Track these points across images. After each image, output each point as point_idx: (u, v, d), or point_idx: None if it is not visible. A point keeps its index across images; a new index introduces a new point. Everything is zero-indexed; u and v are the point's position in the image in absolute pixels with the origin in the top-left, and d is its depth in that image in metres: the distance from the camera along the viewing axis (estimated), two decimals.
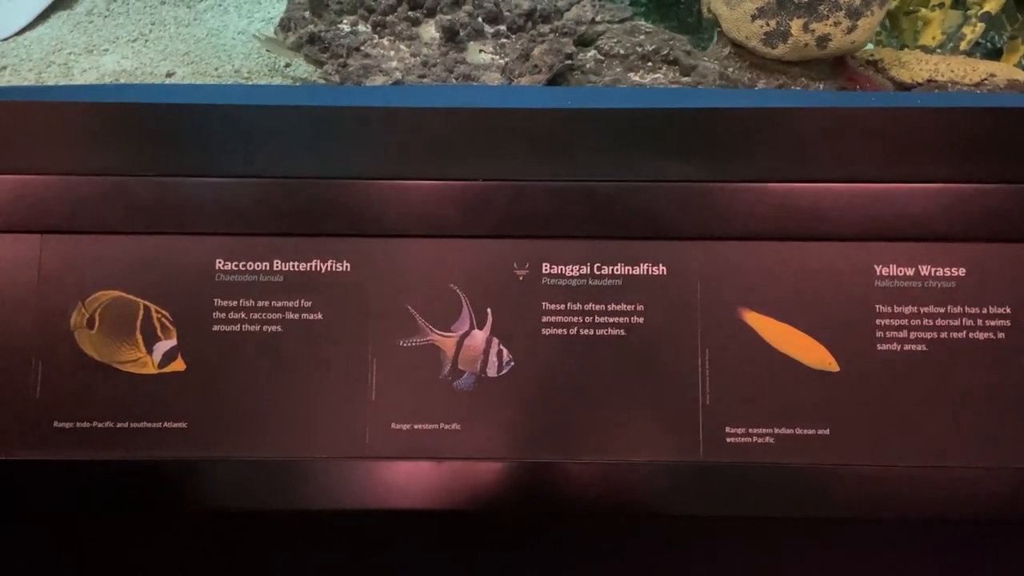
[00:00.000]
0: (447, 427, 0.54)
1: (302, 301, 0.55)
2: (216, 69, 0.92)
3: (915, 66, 0.90)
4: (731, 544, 0.55)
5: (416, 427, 0.54)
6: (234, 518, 0.53)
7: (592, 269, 0.56)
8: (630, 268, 0.57)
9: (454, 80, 0.86)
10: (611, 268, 0.56)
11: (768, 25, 0.84)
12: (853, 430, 0.55)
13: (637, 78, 0.86)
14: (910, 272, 0.56)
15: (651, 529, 0.55)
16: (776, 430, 0.55)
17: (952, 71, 0.89)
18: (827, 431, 0.55)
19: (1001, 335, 0.56)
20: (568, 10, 0.88)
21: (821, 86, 0.89)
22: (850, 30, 0.84)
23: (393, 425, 0.54)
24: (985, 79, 0.89)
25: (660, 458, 0.55)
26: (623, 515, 0.54)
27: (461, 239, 0.56)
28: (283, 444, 0.53)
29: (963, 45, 0.91)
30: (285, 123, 0.55)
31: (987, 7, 0.89)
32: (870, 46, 1.01)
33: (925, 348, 0.56)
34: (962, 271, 0.56)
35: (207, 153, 0.54)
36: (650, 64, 0.86)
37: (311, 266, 0.55)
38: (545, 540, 0.55)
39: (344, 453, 0.53)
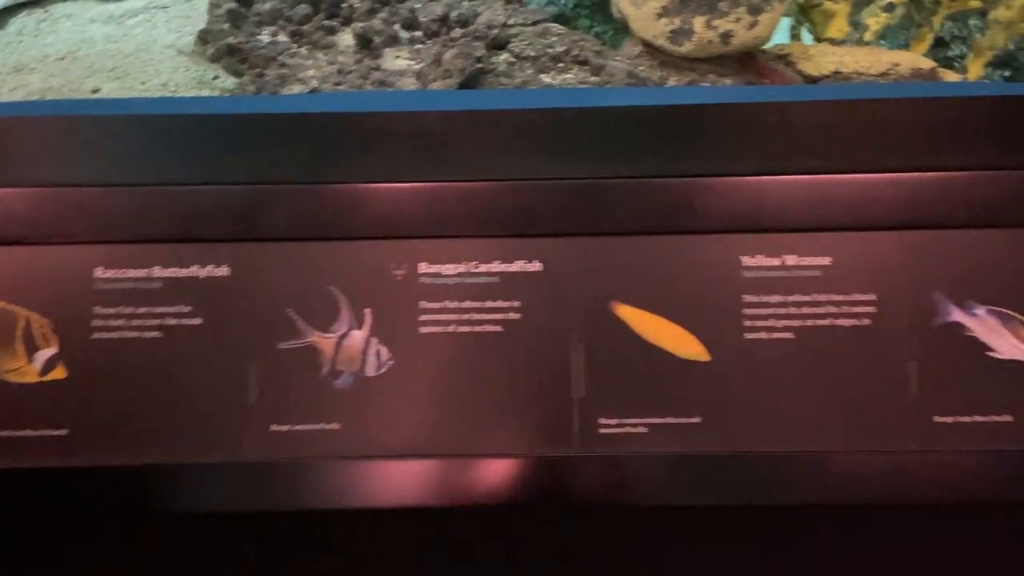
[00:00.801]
0: (327, 427, 0.54)
1: (182, 307, 0.54)
2: (143, 84, 0.91)
3: (821, 59, 0.89)
4: (605, 534, 0.55)
5: (295, 428, 0.53)
6: (115, 523, 0.52)
7: (469, 268, 0.56)
8: (506, 266, 0.56)
9: (369, 87, 0.85)
10: (488, 266, 0.56)
11: (673, 23, 0.83)
12: (723, 418, 0.54)
13: (548, 79, 0.85)
14: (776, 262, 0.56)
15: (525, 521, 0.54)
16: (648, 420, 0.55)
17: (857, 62, 0.88)
18: (698, 419, 0.54)
19: (866, 321, 0.55)
20: (481, 14, 0.87)
21: (729, 81, 0.88)
22: (752, 25, 0.83)
23: (272, 427, 0.53)
24: (889, 69, 0.88)
25: (535, 452, 0.54)
26: (501, 509, 0.54)
27: (339, 241, 0.55)
28: (162, 448, 0.52)
29: (868, 36, 0.90)
30: (162, 131, 0.54)
31: None
32: (785, 39, 1.00)
33: (792, 336, 0.55)
34: (828, 260, 0.56)
35: (84, 162, 0.53)
36: (561, 65, 0.85)
37: (191, 272, 0.54)
38: (420, 536, 0.54)
39: (222, 456, 0.53)
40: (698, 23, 0.82)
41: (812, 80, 0.90)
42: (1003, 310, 0.55)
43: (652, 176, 0.55)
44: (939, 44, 1.57)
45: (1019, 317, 0.55)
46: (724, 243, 0.56)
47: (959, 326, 0.55)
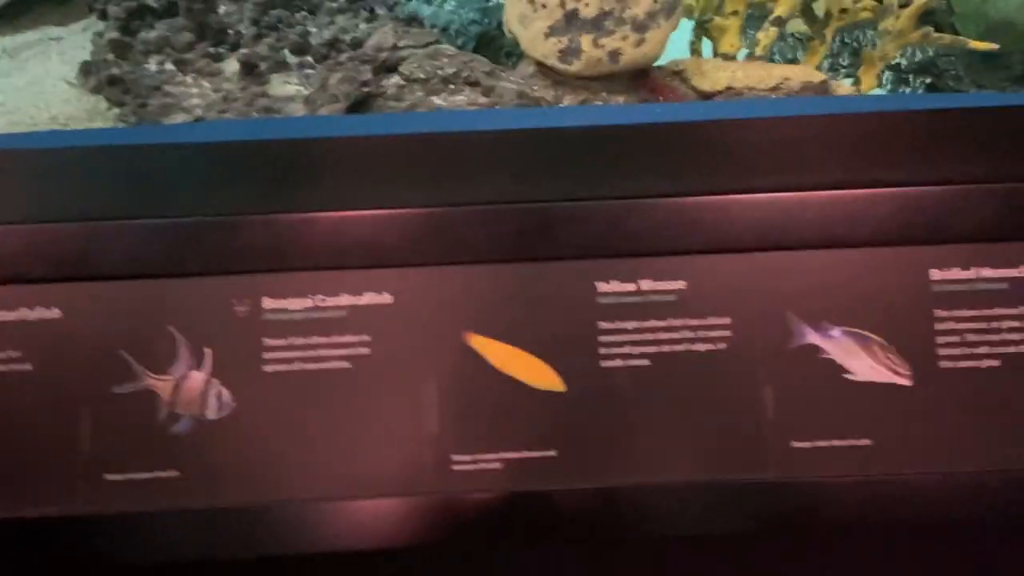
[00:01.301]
0: (165, 475, 0.50)
1: (10, 352, 0.50)
2: (31, 118, 0.87)
3: (714, 75, 0.87)
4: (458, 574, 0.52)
5: (131, 477, 0.50)
6: None
7: (315, 302, 0.53)
8: (355, 299, 0.53)
9: (255, 114, 0.82)
10: (335, 299, 0.53)
11: (561, 42, 0.81)
12: (579, 449, 0.52)
13: (440, 101, 0.83)
14: (631, 287, 0.53)
15: (379, 566, 0.51)
16: (503, 455, 0.52)
17: (748, 77, 0.86)
18: (554, 452, 0.52)
19: (722, 345, 0.53)
20: (371, 37, 0.84)
21: (622, 99, 0.86)
22: (639, 43, 0.81)
23: (106, 476, 0.50)
24: (780, 83, 0.87)
25: (388, 492, 0.51)
26: (355, 555, 0.51)
27: (176, 278, 0.52)
28: None
29: (758, 50, 0.88)
30: None
31: (778, 11, 0.86)
32: (685, 55, 0.98)
33: (649, 363, 0.52)
34: (683, 283, 0.53)
35: None
36: (452, 87, 0.83)
37: (19, 315, 0.51)
38: None
39: (53, 509, 0.49)
40: (585, 42, 0.80)
41: (706, 96, 0.88)
42: (859, 331, 0.53)
43: (503, 202, 0.53)
44: (855, 53, 1.57)
45: (875, 338, 0.52)
46: (578, 269, 0.53)
47: (815, 348, 0.53)
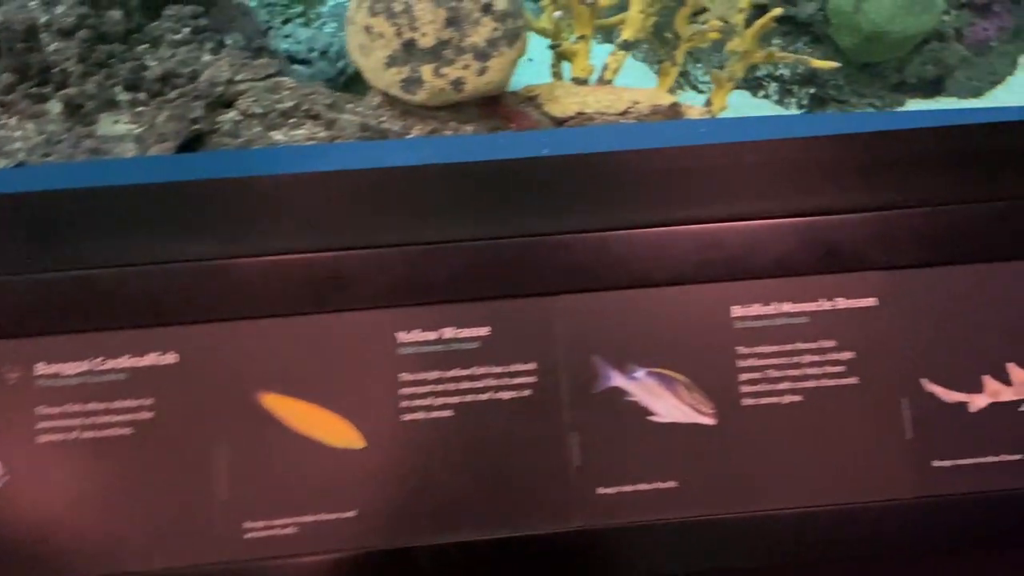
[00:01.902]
0: None
1: None
2: None
3: (565, 99, 0.87)
4: None
5: None
6: None
7: (93, 365, 0.50)
8: (136, 360, 0.50)
9: (82, 156, 0.78)
10: (115, 361, 0.50)
11: (402, 72, 0.79)
12: (380, 509, 0.50)
13: (280, 136, 0.80)
14: (432, 336, 0.52)
15: None
16: (299, 519, 0.50)
17: (598, 102, 0.86)
18: (354, 513, 0.50)
19: (527, 392, 0.52)
20: (205, 71, 0.81)
21: (471, 129, 0.85)
22: (482, 71, 0.80)
23: None
24: (630, 107, 0.87)
25: (173, 564, 0.48)
26: None
27: None
28: None
29: (608, 75, 0.88)
30: None
31: (624, 35, 0.87)
32: (547, 80, 0.98)
33: (452, 414, 0.51)
34: (487, 330, 0.52)
35: None
36: (293, 120, 0.80)
37: None
38: None
39: None
40: (426, 72, 0.79)
41: (559, 122, 0.88)
42: (664, 371, 0.52)
43: (294, 252, 0.51)
44: (751, 67, 1.59)
45: (680, 378, 0.52)
46: (377, 319, 0.51)
47: (620, 391, 0.52)
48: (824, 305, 0.53)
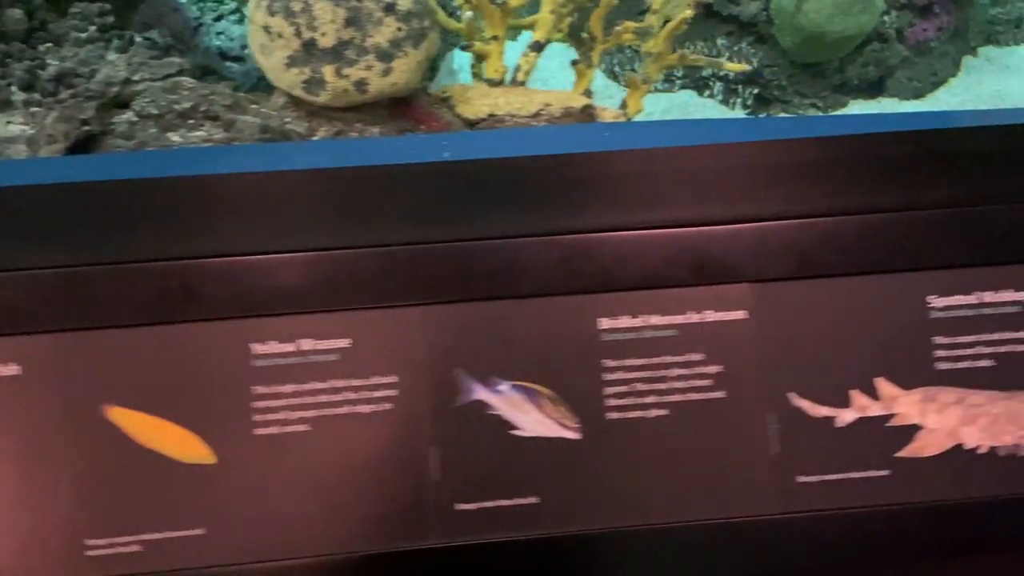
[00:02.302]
0: None
1: None
2: None
3: (477, 101, 0.86)
4: None
5: None
6: None
7: None
8: None
9: None
10: None
11: (304, 73, 0.78)
12: (229, 526, 0.49)
13: (178, 137, 0.79)
14: (290, 348, 0.51)
15: None
16: (143, 536, 0.49)
17: (509, 104, 0.85)
18: (201, 530, 0.49)
19: (388, 406, 0.51)
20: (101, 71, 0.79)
21: (377, 130, 0.83)
22: (386, 72, 0.79)
23: None
24: (541, 110, 0.86)
25: None
26: None
27: None
28: None
29: (520, 76, 0.87)
30: None
31: (536, 36, 0.86)
32: (467, 80, 0.97)
33: (308, 428, 0.50)
34: (347, 342, 0.51)
35: None
36: (191, 122, 0.79)
37: None
38: None
39: None
40: (328, 72, 0.78)
41: (471, 124, 0.87)
42: (528, 385, 0.51)
43: (142, 260, 0.50)
44: (692, 66, 1.59)
45: (544, 391, 0.51)
46: (231, 330, 0.50)
47: (483, 405, 0.51)
48: (693, 318, 0.53)
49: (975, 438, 0.53)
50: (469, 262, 0.52)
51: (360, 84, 0.78)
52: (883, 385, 0.53)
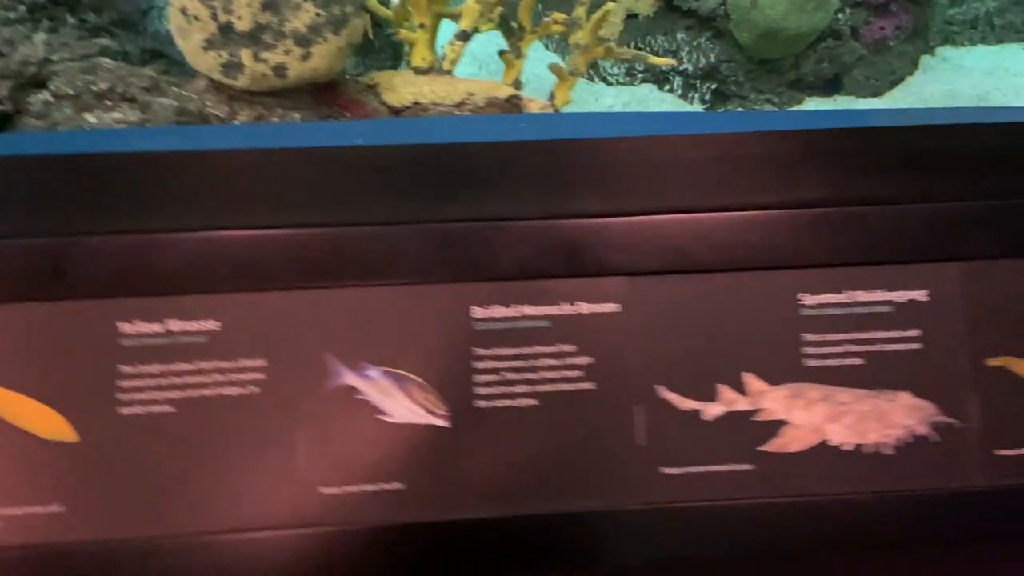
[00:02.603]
0: None
1: None
2: None
3: (402, 89, 0.86)
4: None
5: None
6: None
7: None
8: None
9: None
10: None
11: (221, 56, 0.78)
12: (89, 503, 0.50)
13: (93, 118, 0.79)
14: (157, 328, 0.51)
15: None
16: (2, 510, 0.49)
17: (434, 92, 0.86)
18: (60, 507, 0.50)
19: (254, 389, 0.52)
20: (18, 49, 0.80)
21: (298, 116, 0.84)
22: (305, 57, 0.79)
23: None
24: (465, 99, 0.86)
25: None
26: None
27: None
28: None
29: (446, 65, 0.88)
30: None
31: (462, 25, 0.86)
32: (407, 66, 0.97)
33: (173, 409, 0.51)
34: (216, 324, 0.52)
35: None
36: (108, 103, 0.79)
37: None
38: None
39: None
40: (245, 56, 0.78)
41: (396, 111, 0.87)
42: (398, 371, 0.52)
43: (7, 237, 0.50)
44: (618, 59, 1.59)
45: (414, 378, 0.52)
46: (98, 309, 0.51)
47: (351, 390, 0.52)
48: (566, 309, 0.54)
49: (840, 435, 0.54)
50: (341, 247, 0.52)
51: (279, 69, 0.78)
52: (751, 380, 0.54)
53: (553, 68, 0.88)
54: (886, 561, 0.53)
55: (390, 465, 0.52)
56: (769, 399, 0.54)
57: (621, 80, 1.60)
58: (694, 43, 1.55)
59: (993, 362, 0.54)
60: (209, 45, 0.77)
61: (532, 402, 0.53)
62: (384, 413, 0.52)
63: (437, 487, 0.52)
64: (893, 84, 1.46)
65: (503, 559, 0.52)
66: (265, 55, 0.77)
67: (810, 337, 0.54)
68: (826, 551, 0.53)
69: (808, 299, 0.55)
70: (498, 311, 0.53)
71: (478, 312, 0.53)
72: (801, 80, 1.54)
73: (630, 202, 0.54)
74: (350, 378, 0.52)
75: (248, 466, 0.51)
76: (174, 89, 0.82)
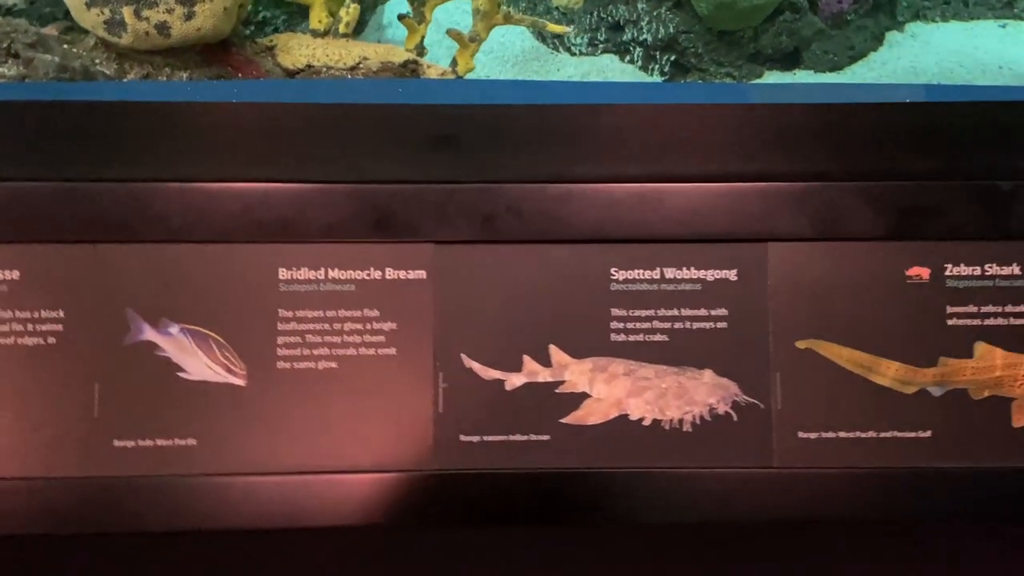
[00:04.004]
0: None
1: None
2: None
3: (297, 51, 0.87)
4: None
5: None
6: None
7: None
8: None
9: None
10: None
11: (104, 13, 0.80)
12: None
13: None
14: None
15: None
16: None
17: (328, 56, 0.87)
18: None
19: (52, 340, 0.54)
20: None
21: (185, 76, 0.85)
22: (189, 17, 0.80)
23: None
24: (359, 63, 0.87)
25: None
26: None
27: None
28: None
29: (342, 28, 0.89)
30: None
31: None
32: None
33: None
34: (14, 274, 0.54)
35: None
36: None
37: None
38: None
39: None
40: (127, 14, 0.79)
41: (291, 73, 0.89)
42: (199, 329, 0.54)
43: None
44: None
45: (215, 336, 0.54)
46: None
47: (151, 346, 0.54)
48: (373, 274, 0.55)
49: (640, 410, 0.55)
50: (146, 203, 0.54)
51: (162, 28, 0.80)
52: (555, 352, 0.55)
53: (451, 33, 0.89)
54: (674, 535, 0.54)
55: (185, 421, 0.54)
56: (572, 372, 0.55)
57: (584, 51, 1.60)
58: (654, 13, 1.54)
59: (801, 344, 0.55)
60: (92, 1, 0.79)
61: (332, 365, 0.55)
62: (182, 370, 0.54)
63: (230, 444, 0.54)
64: (853, 59, 1.44)
65: (292, 516, 0.54)
66: (147, 13, 0.79)
67: (618, 312, 0.55)
68: (615, 522, 0.55)
69: (619, 274, 0.56)
70: (304, 273, 0.55)
71: (285, 274, 0.55)
72: (760, 53, 1.53)
73: (438, 170, 0.55)
74: (150, 334, 0.54)
75: (43, 417, 0.53)
76: (64, 47, 0.84)
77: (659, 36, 1.52)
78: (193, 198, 0.54)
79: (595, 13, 1.57)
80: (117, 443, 0.53)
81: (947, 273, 0.55)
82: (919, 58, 1.37)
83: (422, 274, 0.56)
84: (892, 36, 1.47)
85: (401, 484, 0.54)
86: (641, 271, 0.56)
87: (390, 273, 0.55)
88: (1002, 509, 0.53)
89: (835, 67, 1.48)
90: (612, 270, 0.56)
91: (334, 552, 0.54)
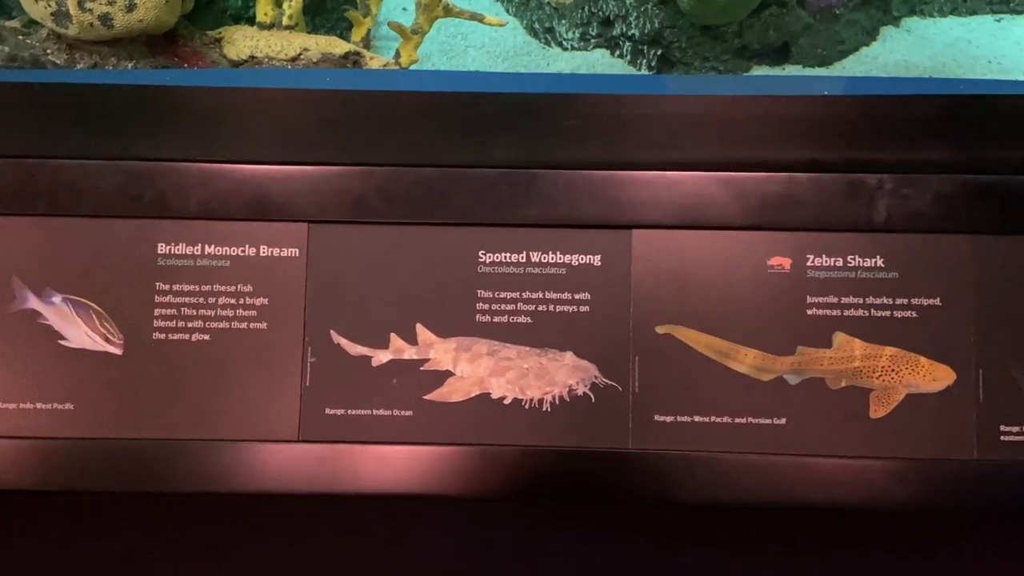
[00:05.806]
0: None
1: None
2: None
3: (241, 43, 0.92)
4: None
5: None
6: None
7: None
8: None
9: None
10: None
11: (51, 5, 0.85)
12: None
13: None
14: None
15: None
16: None
17: (270, 47, 0.91)
18: None
19: None
20: None
21: (131, 65, 0.90)
22: (130, 8, 0.85)
23: None
24: (300, 54, 0.91)
25: None
26: None
27: None
28: None
29: (286, 20, 0.92)
30: None
31: None
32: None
33: None
34: None
35: None
36: None
37: None
38: None
39: None
40: (72, 5, 0.84)
41: (236, 64, 0.93)
42: (80, 299, 0.58)
43: None
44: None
45: (94, 306, 0.58)
46: None
47: (35, 314, 0.58)
48: (248, 251, 0.59)
49: (501, 389, 0.57)
50: (33, 178, 0.58)
51: (105, 19, 0.85)
52: (422, 331, 0.58)
53: (393, 26, 0.92)
54: (528, 511, 0.56)
55: (63, 387, 0.58)
56: (437, 350, 0.58)
57: (576, 45, 1.62)
58: (642, 8, 1.56)
59: (660, 329, 0.57)
60: None
61: (204, 337, 0.58)
62: (63, 338, 0.58)
63: (105, 410, 0.58)
64: (843, 54, 1.44)
65: (163, 479, 0.57)
66: (90, 5, 0.84)
67: (484, 293, 0.58)
68: (473, 497, 0.57)
69: (487, 256, 0.58)
70: (182, 248, 0.59)
71: (162, 248, 0.59)
72: (746, 48, 1.53)
73: (315, 152, 0.58)
74: (34, 303, 0.58)
75: None
76: (19, 38, 0.90)
77: (645, 31, 1.53)
78: (78, 174, 0.59)
79: (587, 8, 1.59)
80: (3, 405, 0.58)
81: (808, 264, 0.56)
82: (912, 52, 1.36)
83: (295, 252, 0.59)
84: (887, 31, 1.46)
85: (268, 455, 0.57)
86: (508, 254, 0.58)
87: (264, 250, 0.59)
88: (856, 498, 0.54)
89: (823, 62, 1.48)
90: (480, 252, 0.58)
91: (193, 518, 0.57)
